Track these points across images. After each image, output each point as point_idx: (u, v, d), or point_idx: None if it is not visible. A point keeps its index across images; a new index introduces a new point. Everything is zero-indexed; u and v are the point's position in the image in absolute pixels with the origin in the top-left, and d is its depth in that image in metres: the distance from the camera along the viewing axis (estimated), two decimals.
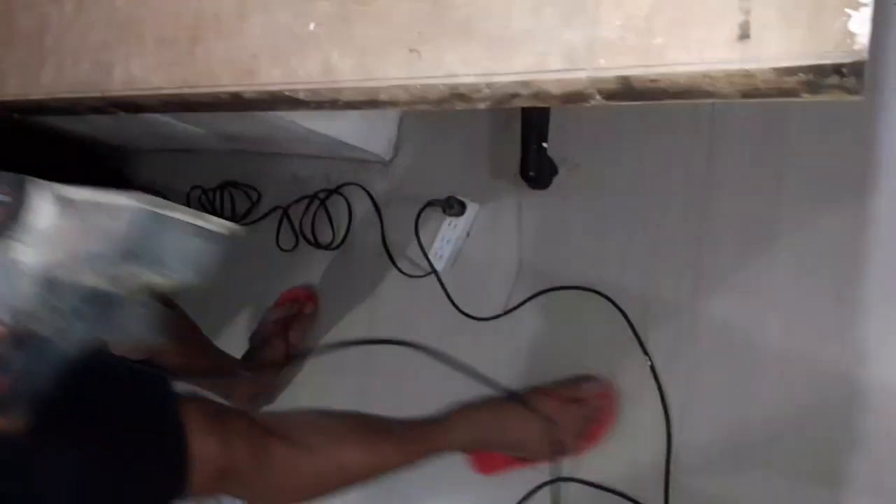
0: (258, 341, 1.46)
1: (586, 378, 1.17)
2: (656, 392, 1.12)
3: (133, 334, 0.52)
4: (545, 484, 1.20)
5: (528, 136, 1.17)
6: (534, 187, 1.23)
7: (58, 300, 0.50)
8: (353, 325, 1.44)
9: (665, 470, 1.10)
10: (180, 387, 0.92)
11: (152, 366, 0.93)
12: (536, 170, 1.18)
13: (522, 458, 1.18)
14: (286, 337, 1.43)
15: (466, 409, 1.14)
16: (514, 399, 1.14)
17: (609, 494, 1.15)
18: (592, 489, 1.17)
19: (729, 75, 0.37)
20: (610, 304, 1.17)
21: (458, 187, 1.31)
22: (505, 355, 1.25)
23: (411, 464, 1.06)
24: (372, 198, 1.42)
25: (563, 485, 1.19)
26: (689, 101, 0.41)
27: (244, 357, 1.43)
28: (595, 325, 1.18)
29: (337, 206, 1.47)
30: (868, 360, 1.00)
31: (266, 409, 1.44)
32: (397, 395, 1.35)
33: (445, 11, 0.45)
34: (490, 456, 1.21)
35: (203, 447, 0.83)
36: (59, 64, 0.60)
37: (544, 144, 1.17)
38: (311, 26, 0.49)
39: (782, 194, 1.07)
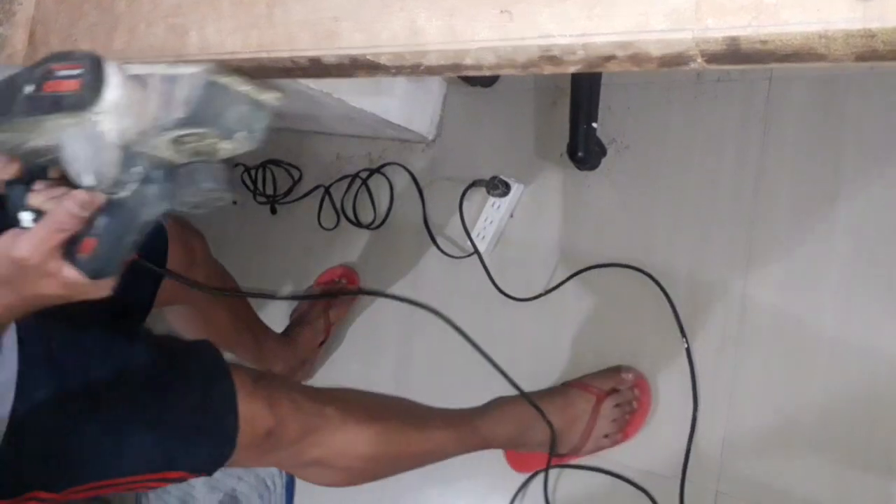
0: (298, 318, 1.46)
1: (622, 369, 1.16)
2: (688, 376, 1.11)
3: (205, 190, 0.55)
4: (536, 474, 1.19)
5: (577, 116, 1.16)
6: (581, 168, 1.21)
7: (135, 166, 0.54)
8: (392, 303, 1.43)
9: (685, 452, 1.10)
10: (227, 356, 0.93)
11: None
12: (585, 150, 1.16)
13: (559, 455, 1.17)
14: (327, 315, 1.43)
15: (510, 404, 1.13)
16: (557, 393, 1.15)
17: (621, 482, 1.15)
18: (606, 477, 1.17)
19: (848, 35, 0.36)
20: (652, 282, 1.15)
21: (502, 167, 1.30)
22: (545, 336, 1.25)
23: (457, 454, 1.06)
24: (414, 177, 1.41)
25: (563, 473, 1.19)
26: (796, 65, 0.40)
27: (284, 332, 1.44)
28: (636, 305, 1.17)
29: (379, 185, 1.46)
30: None
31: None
32: (434, 385, 1.35)
33: None
34: (529, 456, 1.20)
35: (250, 408, 0.84)
36: (132, 28, 0.60)
37: (594, 125, 1.16)
38: None
39: (839, 176, 1.05)
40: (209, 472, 0.85)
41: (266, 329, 1.37)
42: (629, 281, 1.18)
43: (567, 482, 1.20)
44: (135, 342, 0.86)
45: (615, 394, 1.14)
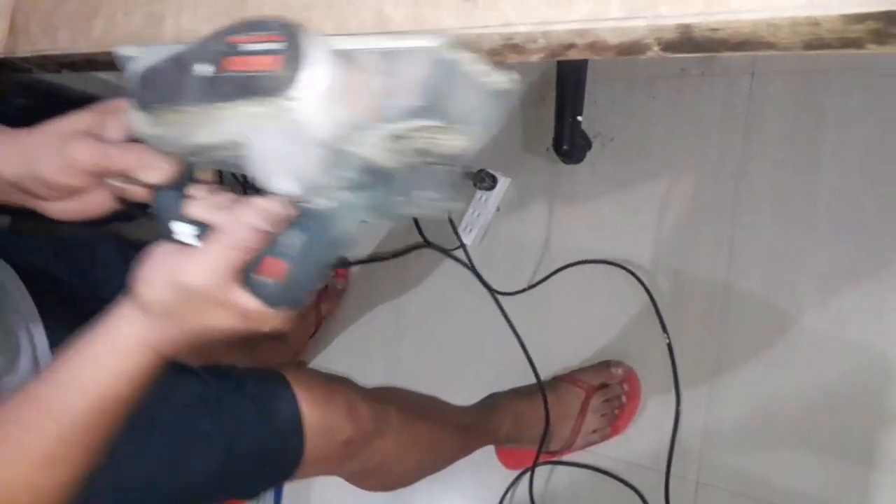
0: None
1: (611, 363, 1.17)
2: (671, 371, 1.12)
3: (429, 199, 0.44)
4: (526, 471, 1.20)
5: (563, 110, 1.17)
6: (567, 162, 1.22)
7: (342, 168, 0.42)
8: (382, 297, 1.44)
9: (670, 446, 1.11)
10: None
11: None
12: (570, 143, 1.17)
13: (549, 451, 1.18)
14: (318, 309, 1.44)
15: (505, 400, 1.13)
16: (546, 388, 1.14)
17: (605, 476, 1.16)
18: (587, 471, 1.18)
19: (794, 23, 0.37)
20: (634, 279, 1.16)
21: (489, 161, 1.31)
22: (530, 330, 1.25)
23: (467, 454, 1.05)
24: None
25: (552, 469, 1.20)
26: (747, 54, 0.41)
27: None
28: (620, 300, 1.18)
29: None
30: None
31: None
32: (424, 378, 1.36)
33: None
34: (521, 452, 1.21)
35: (327, 419, 0.77)
36: (111, 16, 0.60)
37: (579, 118, 1.17)
38: None
39: (821, 171, 1.06)
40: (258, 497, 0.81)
41: None
42: (613, 276, 1.19)
43: (556, 477, 1.21)
44: (180, 369, 0.76)
45: (604, 389, 1.15)
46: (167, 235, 0.48)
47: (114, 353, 0.48)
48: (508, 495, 1.23)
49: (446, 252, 1.35)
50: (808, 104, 1.08)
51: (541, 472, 1.20)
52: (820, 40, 0.38)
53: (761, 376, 1.07)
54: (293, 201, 0.44)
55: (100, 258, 0.83)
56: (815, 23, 0.37)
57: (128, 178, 0.50)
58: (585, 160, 1.22)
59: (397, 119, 0.40)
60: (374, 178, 0.43)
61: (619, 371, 1.16)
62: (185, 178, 0.49)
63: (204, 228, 0.46)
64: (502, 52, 0.47)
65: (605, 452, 1.17)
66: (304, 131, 0.41)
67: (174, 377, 0.72)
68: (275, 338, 1.40)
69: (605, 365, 1.17)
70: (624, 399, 1.16)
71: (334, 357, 1.50)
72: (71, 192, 0.52)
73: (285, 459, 0.76)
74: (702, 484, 1.08)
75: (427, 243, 1.37)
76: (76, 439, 0.49)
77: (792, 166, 1.08)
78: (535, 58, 0.47)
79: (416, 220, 1.39)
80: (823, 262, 1.05)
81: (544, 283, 1.25)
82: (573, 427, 1.15)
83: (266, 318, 0.47)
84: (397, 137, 0.41)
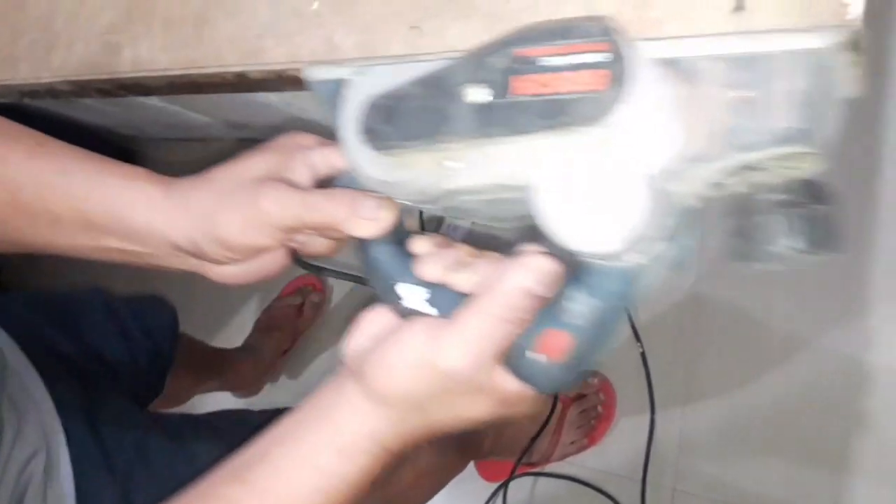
0: (264, 327, 1.47)
1: (587, 374, 1.18)
2: (645, 380, 1.13)
3: (786, 249, 0.35)
4: (504, 483, 1.21)
5: None
6: None
7: (664, 215, 0.33)
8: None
9: (645, 455, 1.11)
10: None
11: None
12: None
13: (530, 462, 1.19)
14: (296, 324, 1.44)
15: None
16: None
17: (583, 486, 1.17)
18: (565, 481, 1.18)
19: None
20: None
21: None
22: None
23: (450, 480, 1.04)
24: None
25: (529, 479, 1.20)
26: None
27: (246, 341, 1.45)
28: None
29: None
30: (873, 344, 1.01)
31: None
32: None
33: None
34: (500, 464, 1.22)
35: None
36: (70, 46, 0.61)
37: None
38: (315, 5, 0.50)
39: None
40: None
41: (223, 356, 1.36)
42: None
43: (534, 488, 1.22)
44: (186, 434, 0.76)
45: (581, 399, 1.16)
46: (391, 301, 0.39)
47: (337, 454, 0.38)
48: None
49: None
50: None
51: (520, 483, 1.21)
52: None
53: (734, 383, 1.08)
54: (577, 255, 0.34)
55: (89, 320, 0.83)
56: None
57: (327, 231, 0.40)
58: None
59: (757, 147, 0.31)
60: (695, 224, 0.35)
61: (595, 381, 1.17)
62: (401, 228, 0.39)
63: (437, 291, 0.37)
64: None
65: (583, 462, 1.18)
66: (627, 167, 0.32)
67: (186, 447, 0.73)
68: (246, 355, 1.40)
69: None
70: (600, 409, 1.17)
71: (314, 373, 1.50)
72: (255, 253, 0.42)
73: None
74: (678, 491, 1.09)
75: None
76: None
77: None
78: None
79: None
80: (793, 269, 1.06)
81: None
82: (551, 439, 1.16)
83: (527, 403, 0.38)
84: (743, 170, 0.33)
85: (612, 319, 0.35)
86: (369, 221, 0.38)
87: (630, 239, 0.33)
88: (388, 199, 0.39)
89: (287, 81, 0.52)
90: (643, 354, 1.14)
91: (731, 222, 0.36)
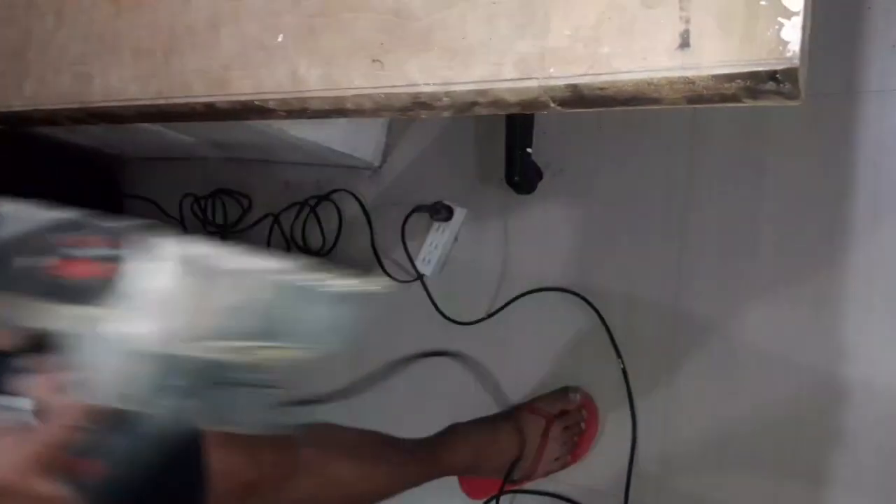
0: None
1: (569, 390, 1.18)
2: (626, 396, 1.14)
3: (255, 420, 0.43)
4: (490, 500, 1.21)
5: (512, 142, 1.19)
6: (519, 192, 1.24)
7: (170, 379, 0.41)
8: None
9: (627, 472, 1.12)
10: None
11: None
12: (521, 174, 1.19)
13: (511, 481, 1.17)
14: None
15: (465, 431, 1.14)
16: (505, 418, 1.15)
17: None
18: (549, 499, 1.18)
19: (671, 82, 0.39)
20: (588, 306, 1.18)
21: (445, 193, 1.33)
22: (489, 359, 1.27)
23: (420, 484, 1.06)
24: (361, 203, 1.44)
25: (514, 498, 1.21)
26: (641, 108, 0.43)
27: None
28: (575, 327, 1.20)
29: (327, 212, 1.48)
30: (847, 358, 1.02)
31: None
32: (385, 409, 1.37)
33: (406, 23, 0.46)
34: (483, 482, 1.21)
35: (227, 461, 0.80)
36: (41, 76, 0.62)
37: (528, 150, 1.19)
38: (280, 38, 0.51)
39: (763, 198, 1.09)
40: None
41: None
42: (568, 304, 1.21)
43: None
44: None
45: (564, 416, 1.16)
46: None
47: None
48: None
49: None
50: (751, 130, 1.11)
51: (505, 500, 1.21)
52: (700, 96, 0.40)
53: (714, 399, 1.09)
54: (118, 405, 0.42)
55: None
56: (690, 82, 0.39)
57: None
58: (537, 190, 1.24)
59: (238, 339, 0.40)
60: (207, 388, 0.42)
61: (578, 397, 1.17)
62: (24, 347, 0.45)
63: (40, 408, 0.43)
64: (413, 109, 0.49)
65: (566, 479, 1.18)
66: (128, 343, 0.40)
67: None
68: None
69: (564, 391, 1.18)
70: (583, 425, 1.17)
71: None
72: None
73: (192, 498, 0.79)
74: None
75: (386, 274, 1.38)
76: None
77: (736, 193, 1.11)
78: (444, 114, 0.49)
79: (375, 251, 1.40)
80: (769, 285, 1.07)
81: (502, 312, 1.26)
82: (534, 456, 1.15)
83: None
84: (239, 350, 0.41)
85: (138, 454, 0.44)
86: None
87: (120, 395, 0.41)
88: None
89: (253, 111, 0.53)
90: (624, 370, 1.15)
91: (211, 392, 0.42)
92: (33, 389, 0.44)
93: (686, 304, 1.12)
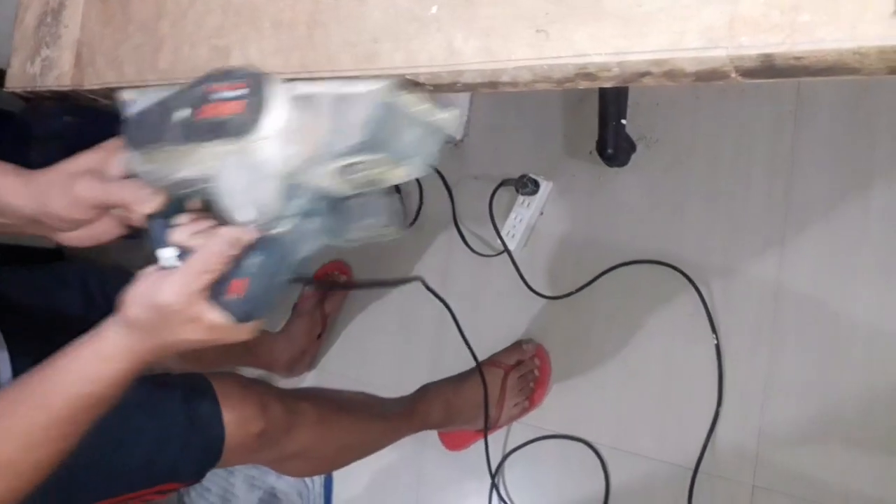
0: (296, 311, 1.49)
1: (522, 342, 1.28)
2: (716, 371, 1.12)
3: (375, 225, 0.51)
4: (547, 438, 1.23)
5: (606, 113, 1.16)
6: (611, 165, 1.22)
7: (298, 198, 0.49)
8: (425, 304, 1.45)
9: (702, 447, 1.11)
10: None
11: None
12: (614, 147, 1.17)
13: (480, 430, 1.27)
14: (322, 308, 1.48)
15: (435, 388, 1.24)
16: (471, 373, 1.25)
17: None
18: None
19: (882, 52, 0.37)
20: (684, 278, 1.16)
21: (531, 166, 1.31)
22: (576, 333, 1.26)
23: (399, 438, 1.17)
24: (443, 178, 1.43)
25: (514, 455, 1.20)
26: (828, 78, 0.41)
27: (286, 325, 1.48)
28: (667, 301, 1.18)
29: (408, 186, 1.48)
30: None
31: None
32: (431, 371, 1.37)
33: None
34: (458, 434, 1.32)
35: (242, 413, 0.87)
36: (176, 49, 0.61)
37: (623, 121, 1.16)
38: (434, 9, 0.49)
39: (873, 168, 1.04)
40: (199, 479, 0.89)
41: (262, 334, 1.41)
42: (660, 277, 1.18)
43: (518, 465, 1.28)
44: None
45: (519, 365, 1.25)
46: (154, 260, 0.54)
47: (100, 359, 0.55)
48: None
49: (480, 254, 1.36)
50: (859, 99, 1.06)
51: (509, 463, 1.27)
52: None
53: (817, 376, 1.06)
54: (255, 228, 0.51)
55: (62, 282, 0.93)
56: None
57: (126, 209, 0.57)
58: (630, 163, 1.22)
59: (344, 154, 0.46)
60: (325, 206, 0.50)
61: (530, 346, 1.26)
62: (172, 208, 0.55)
63: (184, 252, 0.53)
64: (574, 80, 0.47)
65: (644, 451, 1.17)
66: (263, 166, 0.48)
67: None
68: (281, 339, 1.45)
69: (518, 344, 1.28)
70: (536, 373, 1.26)
71: (344, 356, 1.52)
72: (81, 224, 0.61)
73: (210, 448, 0.86)
74: (758, 488, 1.08)
75: (469, 248, 1.38)
76: (57, 428, 0.56)
77: (843, 162, 1.07)
78: (607, 84, 0.47)
79: (457, 225, 1.39)
80: (877, 258, 1.03)
81: (590, 287, 1.25)
82: (496, 404, 1.25)
83: (232, 331, 0.54)
84: (348, 169, 0.47)
85: (274, 270, 0.52)
86: (145, 202, 0.55)
87: (266, 214, 0.49)
88: (161, 187, 0.55)
89: (401, 86, 0.52)
90: (718, 346, 1.13)
91: (331, 206, 0.51)
92: (180, 237, 0.53)
93: (788, 278, 1.09)
